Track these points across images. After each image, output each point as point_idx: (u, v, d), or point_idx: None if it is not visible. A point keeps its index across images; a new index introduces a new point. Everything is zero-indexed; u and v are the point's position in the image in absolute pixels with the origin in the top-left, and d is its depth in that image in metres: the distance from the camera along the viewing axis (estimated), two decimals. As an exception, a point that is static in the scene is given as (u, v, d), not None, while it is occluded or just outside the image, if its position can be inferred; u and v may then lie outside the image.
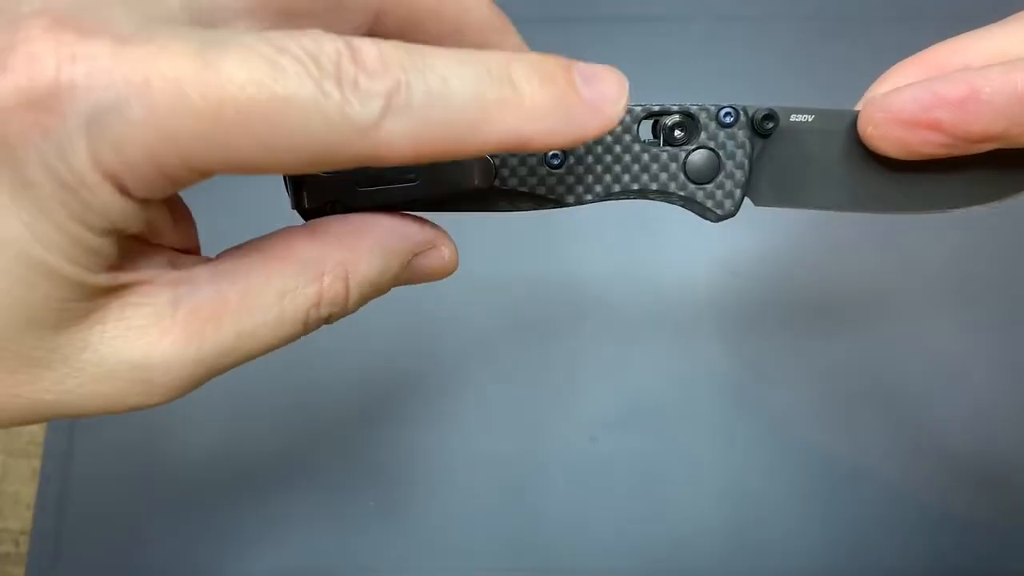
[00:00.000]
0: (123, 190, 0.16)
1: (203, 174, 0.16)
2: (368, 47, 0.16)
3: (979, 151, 0.21)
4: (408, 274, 0.22)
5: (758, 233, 0.46)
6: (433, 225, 0.22)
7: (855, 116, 0.23)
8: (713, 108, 0.23)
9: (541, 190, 0.23)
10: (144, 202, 0.17)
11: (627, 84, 0.18)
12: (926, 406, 0.43)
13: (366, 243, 0.21)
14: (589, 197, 0.23)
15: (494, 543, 0.42)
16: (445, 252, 0.22)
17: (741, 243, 0.45)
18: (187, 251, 0.21)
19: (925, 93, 0.21)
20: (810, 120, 0.24)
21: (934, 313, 0.44)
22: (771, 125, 0.23)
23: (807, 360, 0.44)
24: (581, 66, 0.18)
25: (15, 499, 0.44)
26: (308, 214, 0.22)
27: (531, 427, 0.43)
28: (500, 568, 0.42)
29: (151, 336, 0.18)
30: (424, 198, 0.22)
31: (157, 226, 0.19)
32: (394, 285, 0.22)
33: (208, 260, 0.20)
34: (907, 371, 0.43)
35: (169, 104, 0.15)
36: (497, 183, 0.23)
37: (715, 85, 0.48)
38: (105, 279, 0.17)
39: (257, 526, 0.43)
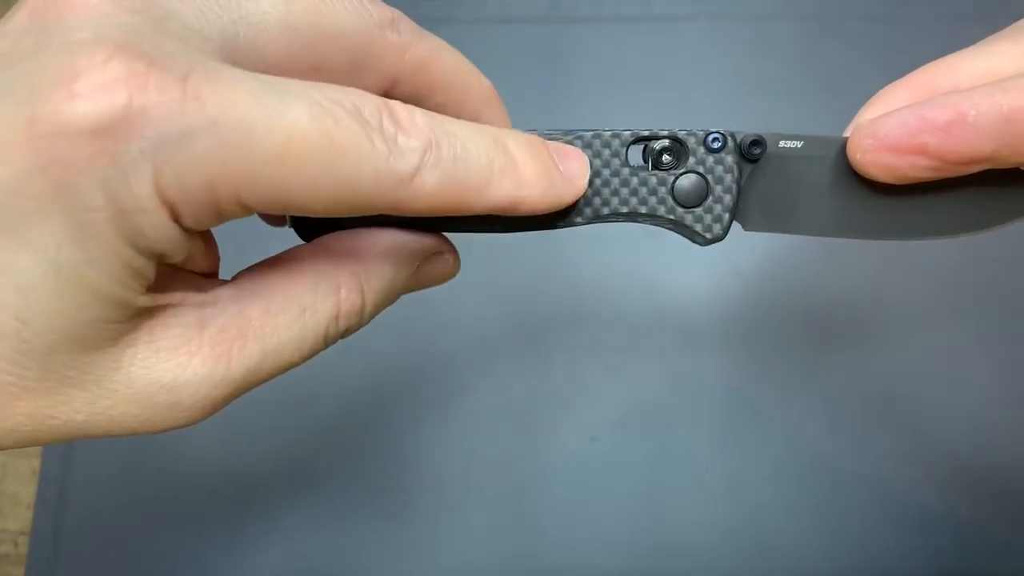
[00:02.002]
0: (176, 218, 0.17)
1: (249, 210, 0.17)
2: (400, 109, 0.18)
3: (969, 172, 0.22)
4: (414, 281, 0.23)
5: (759, 236, 0.46)
6: (435, 233, 0.23)
7: (843, 142, 0.23)
8: (701, 133, 0.24)
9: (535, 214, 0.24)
10: (189, 231, 0.17)
11: (588, 162, 0.22)
12: (927, 409, 0.43)
13: (376, 253, 0.22)
14: (579, 220, 0.24)
15: (494, 544, 0.42)
16: (449, 257, 0.23)
17: (743, 245, 0.45)
18: (210, 275, 0.21)
19: (911, 118, 0.21)
20: (798, 146, 0.24)
21: (936, 316, 0.44)
22: (759, 151, 0.24)
23: (807, 362, 0.44)
24: (553, 145, 0.21)
25: (15, 499, 0.44)
26: (310, 236, 0.22)
27: (531, 427, 0.43)
28: (500, 568, 0.42)
29: (180, 357, 0.19)
30: (423, 217, 0.22)
31: (192, 253, 0.19)
32: (404, 292, 0.23)
33: (227, 282, 0.21)
34: (908, 373, 0.43)
35: (236, 141, 0.16)
36: None
37: (715, 85, 0.48)
38: (145, 300, 0.18)
39: (257, 528, 0.43)
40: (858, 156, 0.22)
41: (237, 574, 0.42)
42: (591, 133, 0.24)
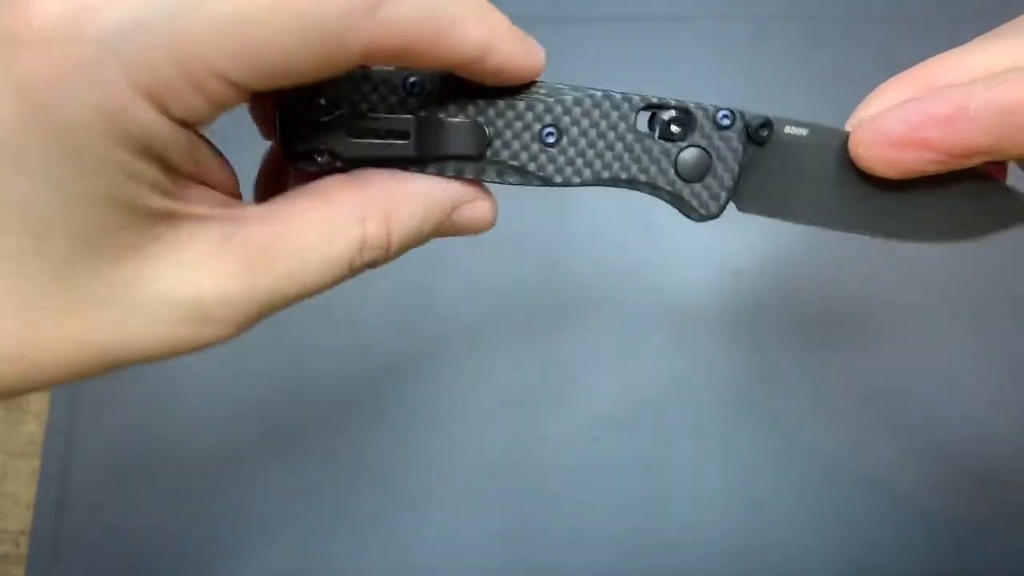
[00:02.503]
0: (163, 109, 0.16)
1: (235, 86, 0.17)
2: None
3: (970, 165, 0.22)
4: (449, 225, 0.23)
5: (760, 234, 0.46)
6: (472, 180, 0.23)
7: (847, 136, 0.23)
8: (711, 108, 0.24)
9: (532, 166, 0.23)
10: (185, 125, 0.17)
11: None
12: (927, 408, 0.43)
13: (409, 191, 0.22)
14: (577, 180, 0.24)
15: (494, 544, 0.42)
16: (486, 205, 0.23)
17: (742, 244, 0.45)
18: (234, 195, 0.21)
19: (913, 113, 0.21)
20: (803, 134, 0.24)
21: (936, 316, 0.44)
22: (766, 133, 0.24)
23: (808, 361, 0.44)
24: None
25: (15, 499, 0.44)
26: (297, 158, 0.22)
27: (531, 427, 0.43)
28: (500, 568, 0.42)
29: (204, 270, 0.19)
30: (416, 158, 0.22)
31: (203, 161, 0.19)
32: (435, 236, 0.23)
33: (254, 204, 0.21)
34: (908, 372, 0.43)
35: (189, 10, 0.16)
36: (489, 153, 0.23)
37: (715, 85, 0.48)
38: (159, 204, 0.18)
39: (256, 527, 0.43)
40: (860, 151, 0.23)
41: (237, 574, 0.42)
42: (600, 92, 0.24)
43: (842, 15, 0.49)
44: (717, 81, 0.48)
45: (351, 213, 0.21)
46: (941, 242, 0.24)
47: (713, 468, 0.42)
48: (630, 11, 0.50)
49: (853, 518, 0.42)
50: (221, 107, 0.18)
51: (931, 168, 0.22)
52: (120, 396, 0.44)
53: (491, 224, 0.24)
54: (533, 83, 0.24)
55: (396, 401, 0.44)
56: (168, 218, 0.18)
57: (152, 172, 0.17)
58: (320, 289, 0.21)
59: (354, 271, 0.21)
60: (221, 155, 0.21)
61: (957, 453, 0.42)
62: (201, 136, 0.19)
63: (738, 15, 0.49)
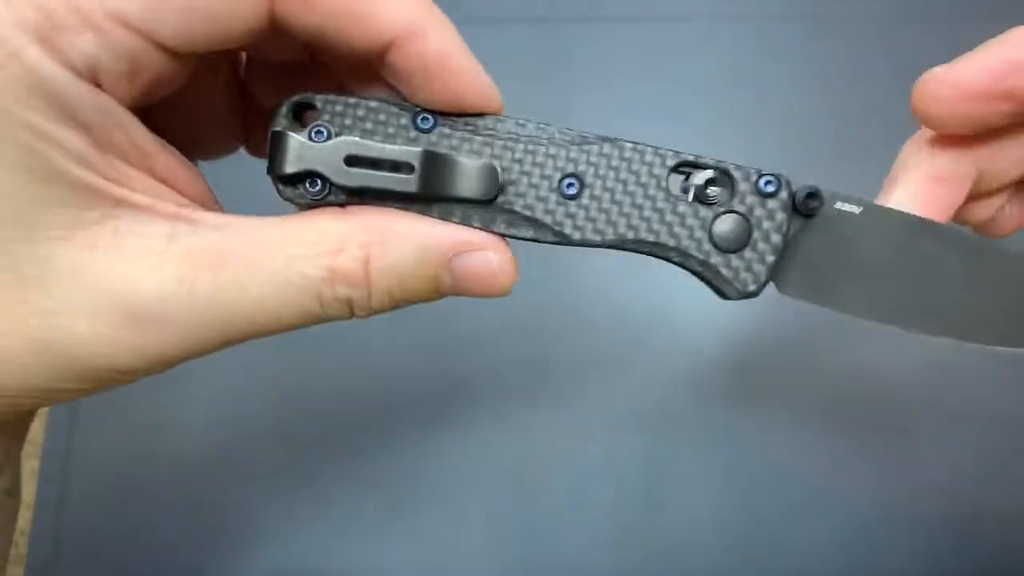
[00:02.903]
0: (61, 56, 0.16)
1: (135, 32, 0.17)
2: None
3: None
4: (452, 279, 0.21)
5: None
6: (485, 231, 0.21)
7: (910, 219, 0.21)
8: (754, 173, 0.21)
9: (547, 219, 0.21)
10: (97, 85, 0.17)
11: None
12: (927, 408, 0.43)
13: (399, 229, 0.20)
14: (597, 239, 0.21)
15: (494, 544, 0.42)
16: (492, 257, 0.21)
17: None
18: (201, 202, 0.21)
19: (995, 62, 0.20)
20: (857, 212, 0.21)
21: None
22: (815, 205, 0.21)
23: (808, 360, 0.44)
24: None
25: (15, 499, 0.44)
26: (285, 180, 0.20)
27: (531, 428, 0.43)
28: (500, 568, 0.42)
29: (141, 268, 0.18)
30: (419, 195, 0.20)
31: (143, 145, 0.19)
32: (438, 290, 0.21)
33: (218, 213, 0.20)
34: (907, 371, 0.43)
35: None
36: (500, 200, 0.21)
37: (715, 85, 0.48)
38: (81, 174, 0.17)
39: (257, 527, 0.43)
40: (933, 108, 0.21)
41: (237, 573, 0.42)
42: (631, 145, 0.21)
43: (842, 15, 0.49)
44: (717, 81, 0.48)
45: (325, 241, 0.19)
46: (1012, 347, 0.21)
47: (713, 469, 0.42)
48: (630, 11, 0.50)
49: (853, 519, 0.42)
50: (128, 58, 0.17)
51: (1005, 121, 0.20)
52: (120, 396, 0.44)
53: (504, 283, 0.21)
54: (554, 127, 0.22)
55: (395, 402, 0.44)
56: (101, 198, 0.17)
57: (70, 137, 0.17)
58: (282, 320, 0.19)
59: (325, 306, 0.20)
60: (191, 164, 0.21)
61: (958, 452, 0.42)
62: (139, 120, 0.19)
63: (738, 15, 0.49)
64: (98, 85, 0.17)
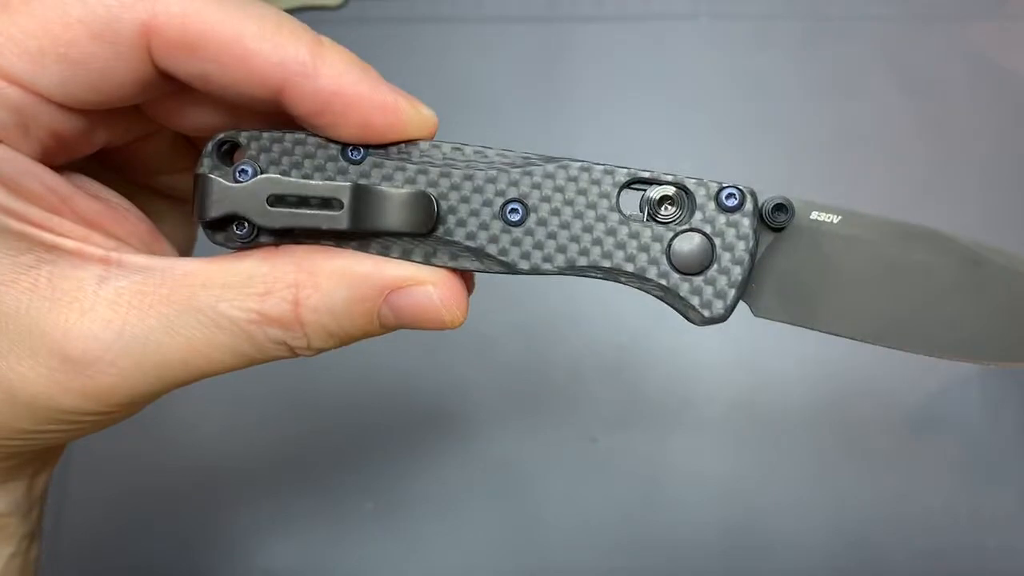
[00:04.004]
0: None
1: (20, 86, 0.17)
2: None
3: None
4: (394, 315, 0.20)
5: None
6: (429, 267, 0.20)
7: (895, 226, 0.19)
8: (714, 186, 0.20)
9: (492, 249, 0.20)
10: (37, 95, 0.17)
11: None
12: (925, 407, 0.43)
13: (327, 269, 0.19)
14: (548, 267, 0.20)
15: (494, 543, 0.42)
16: (433, 292, 0.20)
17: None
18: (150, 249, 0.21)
19: None
20: (835, 221, 0.19)
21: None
22: (784, 218, 0.19)
23: (808, 359, 0.44)
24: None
25: (15, 499, 0.44)
26: (210, 225, 0.20)
27: (531, 427, 0.43)
28: (500, 568, 0.42)
29: (74, 311, 0.18)
30: (350, 232, 0.19)
31: (63, 194, 0.19)
32: (382, 325, 0.20)
33: (154, 256, 0.20)
34: (905, 371, 0.43)
35: None
36: (440, 231, 0.20)
37: (715, 85, 0.48)
38: (14, 224, 0.17)
39: (256, 527, 0.43)
40: None
41: (236, 573, 0.42)
42: (578, 164, 0.20)
43: (842, 15, 0.49)
44: (717, 81, 0.48)
45: (252, 284, 0.19)
46: (995, 363, 0.20)
47: (713, 468, 0.42)
48: (630, 11, 0.50)
49: (852, 519, 0.42)
50: (17, 112, 0.17)
51: None
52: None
53: (448, 318, 0.20)
54: (493, 151, 0.20)
55: (396, 402, 0.44)
56: (32, 244, 0.18)
57: (14, 202, 0.17)
58: (215, 362, 0.19)
59: (262, 349, 0.20)
60: (123, 205, 0.21)
61: (957, 452, 0.42)
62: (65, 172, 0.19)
63: (738, 15, 0.49)
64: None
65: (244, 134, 0.20)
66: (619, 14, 0.50)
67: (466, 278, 0.22)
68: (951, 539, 0.41)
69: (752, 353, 0.44)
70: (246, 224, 0.19)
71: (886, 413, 0.43)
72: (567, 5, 0.50)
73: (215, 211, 0.19)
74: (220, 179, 0.19)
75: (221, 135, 0.20)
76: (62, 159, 0.20)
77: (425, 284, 0.20)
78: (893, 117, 0.46)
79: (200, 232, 0.23)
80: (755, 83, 0.48)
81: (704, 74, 0.48)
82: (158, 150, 0.23)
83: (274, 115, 0.20)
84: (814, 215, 0.20)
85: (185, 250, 0.25)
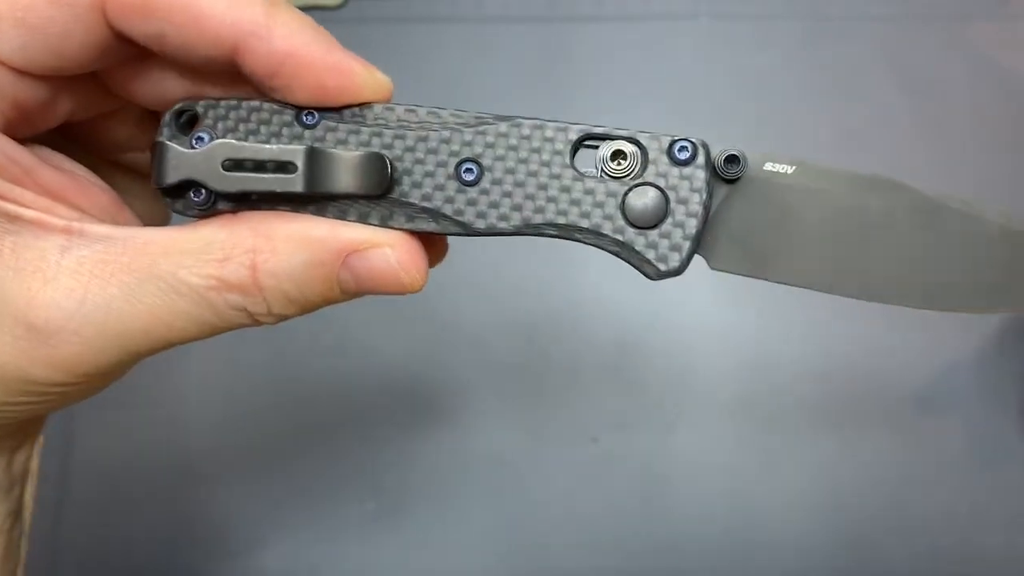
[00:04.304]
0: None
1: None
2: None
3: None
4: (354, 279, 0.20)
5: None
6: (386, 230, 0.20)
7: (848, 175, 0.20)
8: (666, 139, 0.20)
9: (447, 209, 0.20)
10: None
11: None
12: (924, 407, 0.43)
13: (283, 233, 0.19)
14: (504, 225, 0.20)
15: (494, 544, 0.42)
16: (390, 254, 0.20)
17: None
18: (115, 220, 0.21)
19: None
20: (789, 172, 0.20)
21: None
22: (736, 169, 0.20)
23: (808, 358, 0.44)
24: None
25: (15, 499, 0.44)
26: (168, 192, 0.20)
27: (531, 427, 0.43)
28: (500, 568, 0.42)
29: (36, 280, 0.18)
30: (307, 195, 0.19)
31: (26, 166, 0.19)
32: (343, 290, 0.20)
33: (116, 226, 0.20)
34: (904, 368, 0.43)
35: None
36: (396, 193, 0.20)
37: (715, 85, 0.48)
38: None
39: (256, 527, 0.43)
40: None
41: (237, 573, 0.42)
42: (532, 122, 0.20)
43: (842, 15, 0.49)
44: (717, 81, 0.48)
45: (210, 250, 0.19)
46: (954, 310, 0.20)
47: (713, 468, 0.42)
48: (630, 11, 0.50)
49: (852, 518, 0.42)
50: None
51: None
52: (119, 397, 0.44)
53: (408, 280, 0.20)
54: (447, 111, 0.20)
55: (396, 402, 0.44)
56: (11, 227, 0.18)
57: None
58: (178, 330, 0.19)
59: (220, 315, 0.19)
60: (88, 177, 0.21)
61: (956, 451, 0.42)
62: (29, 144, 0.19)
63: (738, 15, 0.49)
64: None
65: (201, 103, 0.20)
66: (619, 14, 0.50)
67: (435, 246, 0.22)
68: (951, 539, 0.41)
69: (752, 354, 0.44)
70: (203, 191, 0.20)
71: (887, 414, 0.43)
72: (567, 5, 0.50)
73: (172, 177, 0.19)
74: (176, 145, 0.19)
75: (179, 105, 0.21)
76: (25, 131, 0.20)
77: (382, 246, 0.20)
78: (893, 117, 0.46)
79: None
80: (755, 83, 0.48)
81: (704, 74, 0.48)
82: (125, 126, 0.23)
83: (233, 81, 0.21)
84: (768, 166, 0.20)
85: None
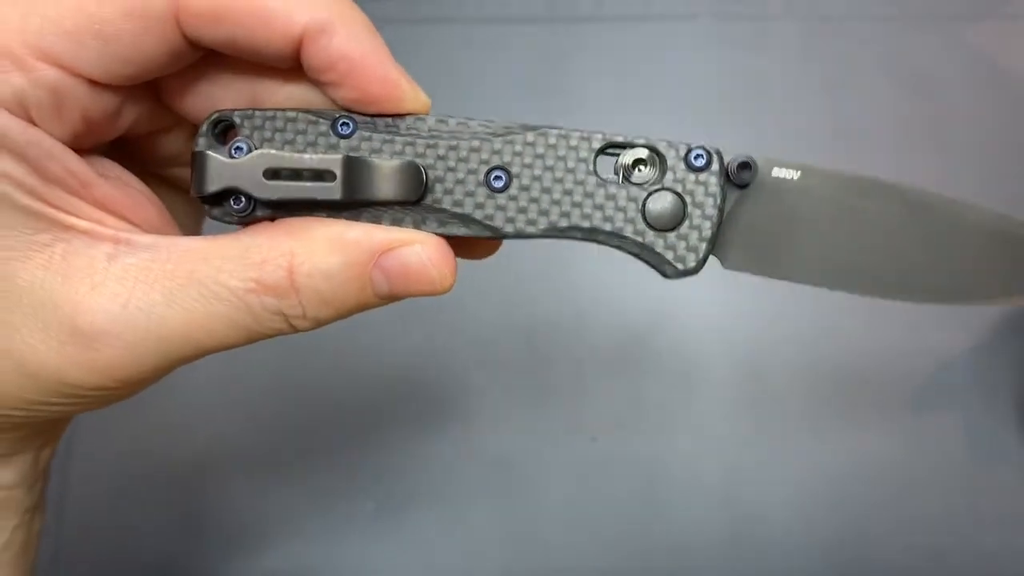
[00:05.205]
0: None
1: (55, 63, 0.18)
2: None
3: None
4: (386, 280, 0.21)
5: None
6: (417, 231, 0.21)
7: (849, 178, 0.21)
8: (683, 147, 0.21)
9: (478, 214, 0.21)
10: (32, 121, 0.18)
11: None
12: (923, 407, 0.43)
13: (319, 235, 0.20)
14: (531, 230, 0.21)
15: (494, 543, 0.42)
16: (421, 250, 0.21)
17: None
18: (147, 226, 0.22)
19: None
20: (795, 177, 0.21)
21: (931, 309, 0.44)
22: (748, 175, 0.21)
23: (807, 357, 0.44)
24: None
25: (15, 499, 0.44)
26: (210, 200, 0.21)
27: (531, 427, 0.43)
28: (500, 568, 0.42)
29: (84, 286, 0.19)
30: (344, 202, 0.20)
31: (84, 178, 0.20)
32: (375, 293, 0.21)
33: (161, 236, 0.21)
34: (903, 368, 0.43)
35: None
36: (429, 200, 0.21)
37: (716, 85, 0.48)
38: (25, 200, 0.18)
39: (257, 527, 0.43)
40: None
41: (237, 573, 0.42)
42: (556, 132, 0.21)
43: (842, 15, 0.49)
44: (717, 81, 0.48)
45: (249, 254, 0.20)
46: (964, 304, 0.21)
47: (713, 468, 0.42)
48: (630, 11, 0.50)
49: (852, 518, 0.42)
50: (52, 92, 0.18)
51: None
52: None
53: (438, 278, 0.21)
54: (476, 122, 0.21)
55: (396, 402, 0.44)
56: (50, 224, 0.19)
57: (14, 169, 0.18)
58: (215, 335, 0.20)
59: (258, 319, 0.20)
60: (141, 192, 0.22)
61: (956, 451, 0.42)
62: (89, 157, 0.20)
63: (738, 15, 0.49)
64: (31, 120, 0.19)
65: (238, 113, 0.21)
66: (619, 14, 0.50)
67: (480, 245, 0.23)
68: (949, 536, 0.41)
69: (752, 354, 0.44)
70: (243, 198, 0.20)
71: (887, 415, 0.43)
72: (567, 5, 0.50)
73: (214, 185, 0.20)
74: (217, 155, 0.20)
75: (216, 114, 0.21)
76: (88, 143, 0.21)
77: (413, 244, 0.21)
78: (893, 117, 0.46)
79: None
80: (755, 83, 0.48)
81: (704, 74, 0.48)
82: (176, 143, 0.24)
83: (287, 79, 0.21)
84: (776, 171, 0.21)
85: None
